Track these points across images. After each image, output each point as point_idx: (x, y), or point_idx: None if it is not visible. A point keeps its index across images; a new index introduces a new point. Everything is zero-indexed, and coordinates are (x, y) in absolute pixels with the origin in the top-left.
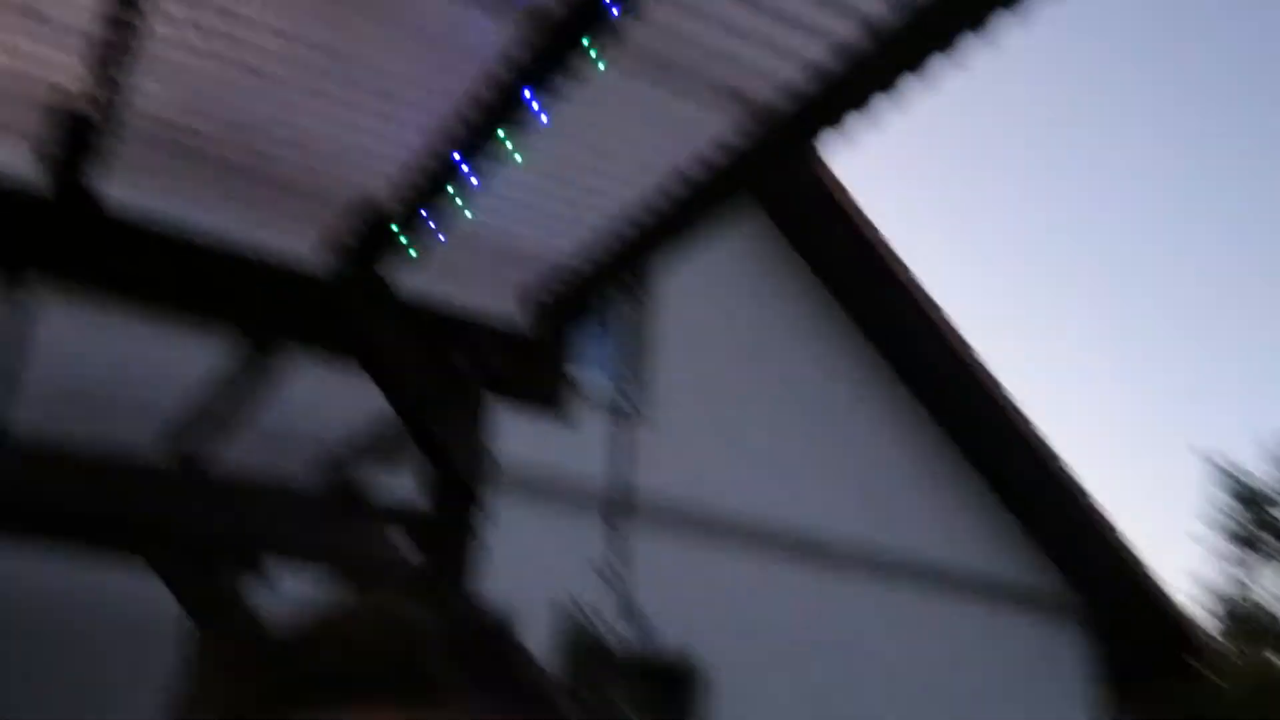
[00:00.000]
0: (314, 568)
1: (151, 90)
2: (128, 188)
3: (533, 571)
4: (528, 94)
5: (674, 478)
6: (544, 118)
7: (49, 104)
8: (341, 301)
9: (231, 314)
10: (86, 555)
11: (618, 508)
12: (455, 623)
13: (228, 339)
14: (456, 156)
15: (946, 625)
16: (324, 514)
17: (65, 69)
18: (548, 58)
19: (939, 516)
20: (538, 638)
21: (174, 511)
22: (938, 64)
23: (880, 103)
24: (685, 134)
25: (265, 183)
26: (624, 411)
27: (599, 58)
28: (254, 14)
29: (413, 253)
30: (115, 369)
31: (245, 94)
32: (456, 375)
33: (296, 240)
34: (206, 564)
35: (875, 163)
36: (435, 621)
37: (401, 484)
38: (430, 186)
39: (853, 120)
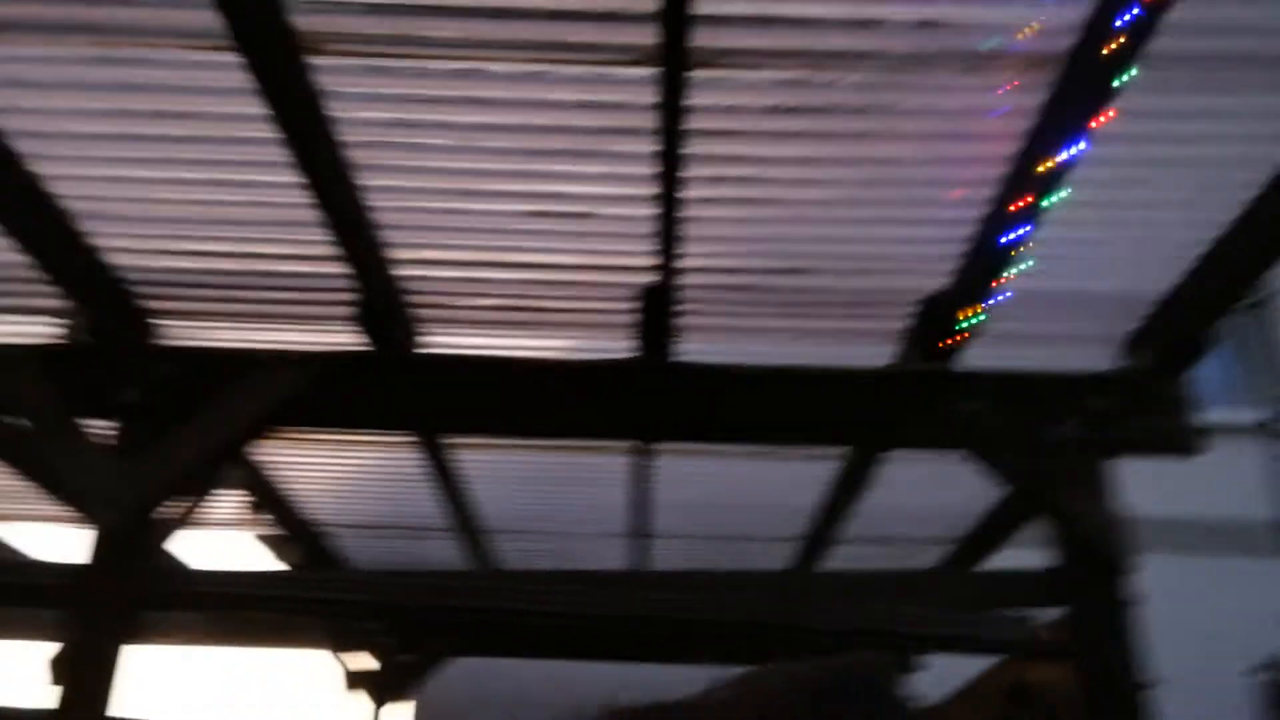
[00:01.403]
0: (956, 648)
1: (705, 250)
2: (704, 343)
3: (1211, 629)
4: (1068, 149)
5: None
6: (1091, 162)
7: (625, 288)
8: (931, 394)
9: (828, 430)
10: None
11: None
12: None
13: (828, 453)
14: (1014, 235)
15: None
16: (954, 598)
17: (629, 255)
18: (1078, 102)
19: None
20: (1229, 697)
21: (811, 612)
22: None
23: None
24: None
25: (824, 305)
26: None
27: (1134, 79)
28: (778, 154)
29: (985, 329)
30: (731, 504)
31: (787, 230)
32: (1067, 440)
33: (868, 349)
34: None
35: None
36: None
37: (1028, 559)
38: (990, 266)
39: None
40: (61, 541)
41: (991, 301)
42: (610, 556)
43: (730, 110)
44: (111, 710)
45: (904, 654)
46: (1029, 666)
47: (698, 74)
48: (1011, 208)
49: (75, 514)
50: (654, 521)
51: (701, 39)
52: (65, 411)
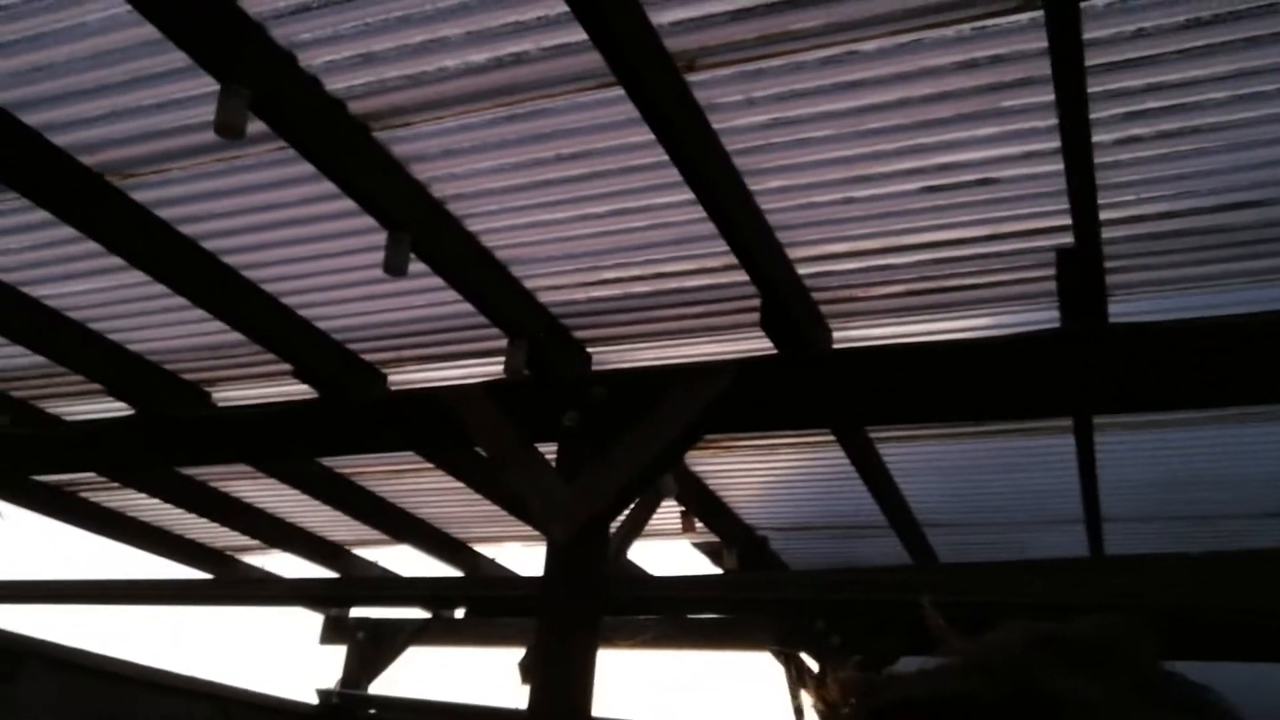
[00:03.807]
0: None
1: (1124, 199)
2: (1141, 301)
3: None
4: None
5: None
6: None
7: (1042, 253)
8: None
9: None
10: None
11: None
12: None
13: None
14: None
15: None
16: None
17: (1041, 216)
18: None
19: None
20: None
21: None
22: None
23: None
24: None
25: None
26: None
27: None
28: (1201, 74)
29: None
30: (1195, 479)
31: (1225, 159)
32: None
33: None
34: None
35: None
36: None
37: None
38: None
39: None
40: (536, 558)
41: None
42: (1058, 544)
43: (1137, 36)
44: (586, 709)
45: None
46: None
47: (1091, 4)
48: None
49: (537, 532)
50: (1104, 504)
51: None
52: (521, 439)
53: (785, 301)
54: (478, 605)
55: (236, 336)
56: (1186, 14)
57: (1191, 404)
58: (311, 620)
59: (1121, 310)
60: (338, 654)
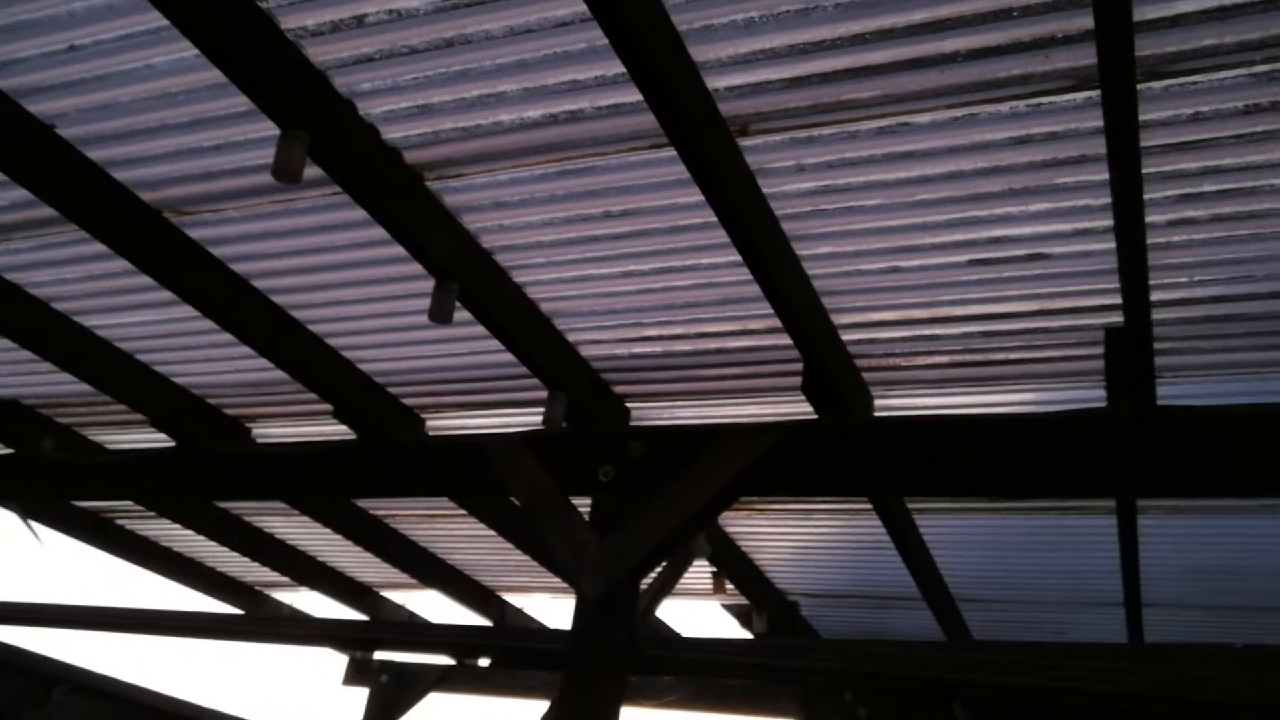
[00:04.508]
0: None
1: (1177, 280)
2: (1188, 384)
3: None
4: None
5: None
6: None
7: (1089, 331)
8: None
9: None
10: None
11: None
12: None
13: None
14: None
15: None
16: None
17: (1090, 294)
18: None
19: None
20: None
21: None
22: None
23: None
24: None
25: None
26: None
27: None
28: (1259, 159)
29: None
30: (1240, 568)
31: (1271, 245)
32: None
33: None
34: None
35: None
36: None
37: None
38: None
39: None
40: (564, 610)
41: None
42: (1096, 627)
43: (1194, 120)
44: None
45: None
46: None
47: (1149, 86)
48: None
49: (567, 585)
50: (1145, 589)
51: (1148, 48)
52: (556, 491)
53: (827, 367)
54: (504, 655)
55: (280, 374)
56: (1246, 100)
57: (1238, 492)
58: (336, 660)
59: (1170, 393)
60: (360, 696)
